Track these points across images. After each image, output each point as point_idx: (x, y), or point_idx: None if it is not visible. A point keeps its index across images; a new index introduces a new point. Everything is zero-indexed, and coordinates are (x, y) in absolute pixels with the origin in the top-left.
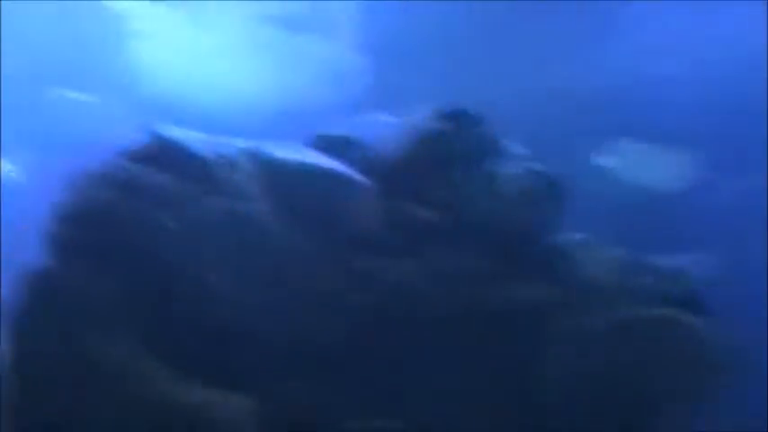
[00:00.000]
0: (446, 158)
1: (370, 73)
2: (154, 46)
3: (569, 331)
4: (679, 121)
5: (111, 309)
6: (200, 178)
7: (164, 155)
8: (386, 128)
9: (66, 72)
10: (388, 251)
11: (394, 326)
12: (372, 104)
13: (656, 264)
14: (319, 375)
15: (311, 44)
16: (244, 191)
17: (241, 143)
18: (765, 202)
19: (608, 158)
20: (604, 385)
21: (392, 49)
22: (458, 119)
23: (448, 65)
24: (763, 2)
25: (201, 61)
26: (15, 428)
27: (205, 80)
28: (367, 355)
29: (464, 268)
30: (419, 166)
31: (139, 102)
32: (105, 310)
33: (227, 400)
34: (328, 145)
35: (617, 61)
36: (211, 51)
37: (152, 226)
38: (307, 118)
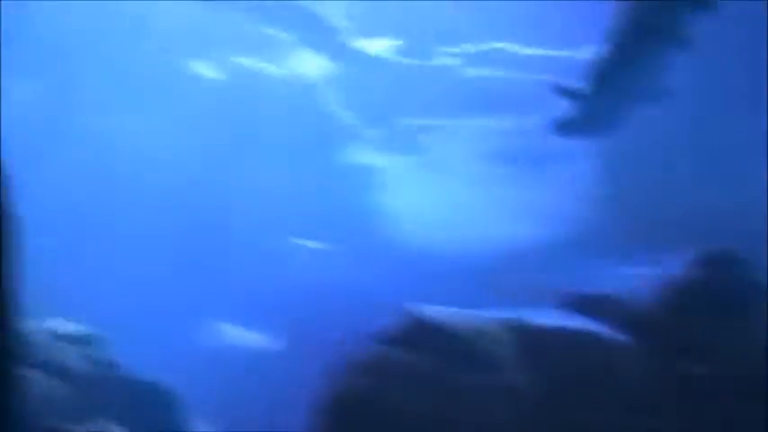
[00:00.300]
0: (712, 307)
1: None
2: (395, 194)
3: None
4: None
5: None
6: (459, 356)
7: (420, 336)
8: (639, 279)
9: (305, 222)
10: (660, 411)
11: None
12: (599, 247)
13: None
14: None
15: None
16: (503, 363)
17: (495, 312)
18: None
19: None
20: None
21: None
22: (718, 264)
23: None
24: None
25: (441, 207)
26: None
27: (444, 225)
28: None
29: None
30: (683, 318)
31: (377, 249)
32: None
33: None
34: (584, 304)
35: None
36: (450, 197)
37: (414, 411)
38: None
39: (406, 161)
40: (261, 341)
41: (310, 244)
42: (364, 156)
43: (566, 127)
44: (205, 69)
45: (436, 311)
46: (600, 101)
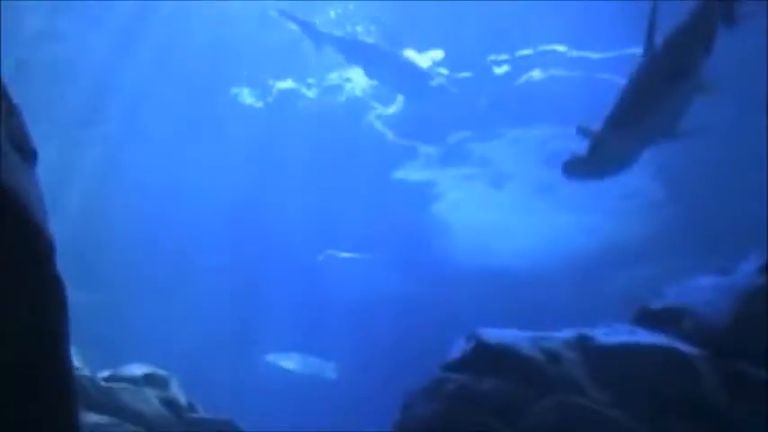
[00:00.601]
0: None
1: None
2: (451, 208)
3: None
4: None
5: None
6: (529, 379)
7: (490, 361)
8: (710, 291)
9: (344, 234)
10: (737, 423)
11: None
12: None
13: None
14: None
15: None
16: (575, 383)
17: (565, 333)
18: None
19: None
20: None
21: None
22: None
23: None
24: None
25: (499, 219)
26: None
27: (504, 237)
28: None
29: None
30: (752, 327)
31: (437, 266)
32: None
33: None
34: (656, 319)
35: None
36: (508, 209)
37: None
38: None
39: (463, 174)
40: (325, 369)
41: (365, 259)
42: (421, 172)
43: (575, 168)
44: (249, 96)
45: (504, 336)
46: (616, 145)
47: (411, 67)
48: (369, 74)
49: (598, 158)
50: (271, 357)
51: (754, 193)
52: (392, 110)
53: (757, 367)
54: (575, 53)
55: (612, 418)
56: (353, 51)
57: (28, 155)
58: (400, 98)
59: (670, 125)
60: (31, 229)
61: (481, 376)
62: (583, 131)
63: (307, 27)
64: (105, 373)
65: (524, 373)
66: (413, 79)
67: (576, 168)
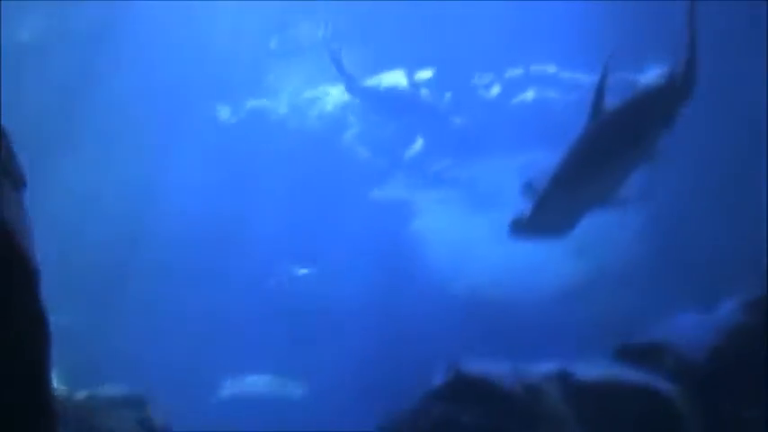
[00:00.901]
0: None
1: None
2: (427, 226)
3: None
4: None
5: None
6: (508, 412)
7: (472, 393)
8: (693, 327)
9: (314, 249)
10: None
11: None
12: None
13: None
14: None
15: None
16: (554, 418)
17: (546, 366)
18: None
19: None
20: None
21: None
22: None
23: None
24: None
25: (477, 241)
26: None
27: (487, 266)
28: None
29: None
30: (736, 365)
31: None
32: None
33: None
34: (637, 355)
35: None
36: (487, 232)
37: None
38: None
39: (443, 196)
40: (293, 389)
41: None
42: (398, 192)
43: (520, 227)
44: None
45: (485, 369)
46: (559, 207)
47: (400, 91)
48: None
49: (541, 218)
50: (231, 381)
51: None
52: (370, 127)
53: (739, 405)
54: (567, 74)
55: None
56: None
57: (16, 180)
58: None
59: (613, 189)
60: (16, 256)
61: (463, 408)
62: (527, 190)
63: (348, 79)
64: (83, 394)
65: (506, 408)
66: (399, 101)
67: (521, 227)
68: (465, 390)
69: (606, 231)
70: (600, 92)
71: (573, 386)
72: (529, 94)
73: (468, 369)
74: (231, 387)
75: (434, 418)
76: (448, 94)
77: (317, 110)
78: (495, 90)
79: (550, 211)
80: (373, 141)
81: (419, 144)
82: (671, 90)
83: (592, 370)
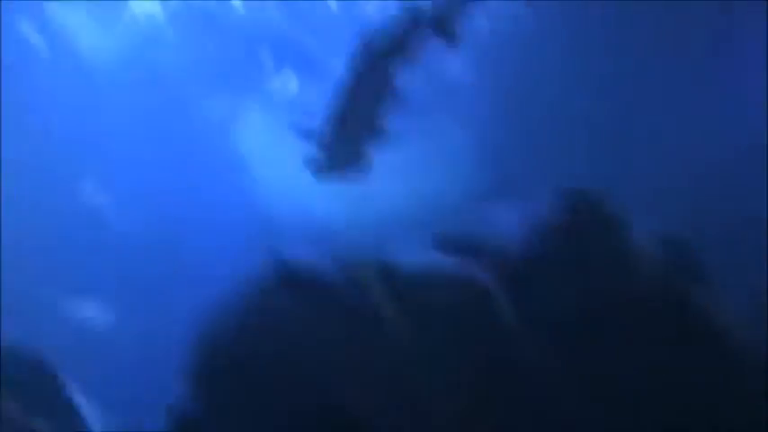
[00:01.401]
0: (575, 244)
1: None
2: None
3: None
4: None
5: None
6: (325, 298)
7: (286, 278)
8: (509, 219)
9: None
10: (527, 350)
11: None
12: (494, 192)
13: None
14: None
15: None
16: (369, 304)
17: (363, 254)
18: None
19: None
20: None
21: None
22: (580, 201)
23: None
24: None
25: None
26: None
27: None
28: None
29: (612, 359)
30: (548, 255)
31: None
32: None
33: None
34: (454, 245)
35: None
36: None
37: (281, 351)
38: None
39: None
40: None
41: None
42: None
43: (314, 167)
44: None
45: (302, 252)
46: (340, 143)
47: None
48: None
49: (327, 158)
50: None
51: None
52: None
53: (551, 297)
54: None
55: (405, 341)
56: None
57: None
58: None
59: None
60: None
61: (282, 297)
62: (301, 132)
63: None
64: None
65: (326, 297)
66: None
67: (314, 167)
68: (284, 278)
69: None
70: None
71: (392, 276)
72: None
73: (286, 254)
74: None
75: (252, 307)
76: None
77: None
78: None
79: (333, 150)
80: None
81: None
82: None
83: (407, 258)
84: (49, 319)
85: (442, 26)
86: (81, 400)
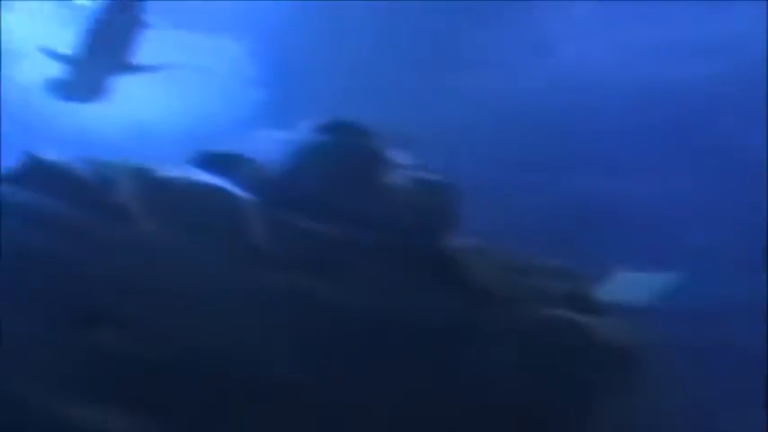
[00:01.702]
0: (328, 170)
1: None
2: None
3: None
4: None
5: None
6: (78, 199)
7: (38, 176)
8: (272, 143)
9: None
10: (280, 266)
11: (307, 343)
12: (267, 122)
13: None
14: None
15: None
16: (125, 211)
17: (122, 163)
18: None
19: None
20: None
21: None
22: (338, 130)
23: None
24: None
25: None
26: None
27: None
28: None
29: (362, 280)
30: (302, 179)
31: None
32: None
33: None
34: (212, 162)
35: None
36: None
37: (28, 247)
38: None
39: None
40: None
41: None
42: None
43: (57, 89)
44: None
45: (58, 154)
46: (86, 69)
47: None
48: None
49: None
50: None
51: None
52: None
53: (303, 217)
54: None
55: (160, 251)
56: None
57: None
58: None
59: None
60: None
61: (27, 190)
62: (53, 54)
63: None
64: None
65: (78, 194)
66: None
67: (56, 89)
68: (34, 173)
69: None
70: None
71: (146, 181)
72: None
73: (40, 154)
74: None
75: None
76: None
77: None
78: None
79: (81, 73)
80: None
81: None
82: None
83: (166, 170)
84: None
85: None
86: None
